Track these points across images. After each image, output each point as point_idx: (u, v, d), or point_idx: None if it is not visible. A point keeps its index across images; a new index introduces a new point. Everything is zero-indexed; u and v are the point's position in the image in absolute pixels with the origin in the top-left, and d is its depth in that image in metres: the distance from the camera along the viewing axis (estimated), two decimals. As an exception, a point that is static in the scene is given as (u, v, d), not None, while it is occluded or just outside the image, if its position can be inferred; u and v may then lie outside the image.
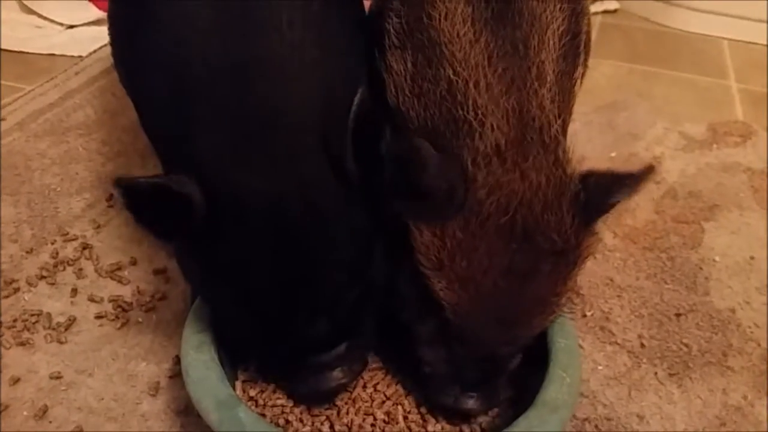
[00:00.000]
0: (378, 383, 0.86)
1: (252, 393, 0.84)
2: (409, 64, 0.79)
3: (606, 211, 0.72)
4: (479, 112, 0.72)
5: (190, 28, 0.73)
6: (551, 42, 0.77)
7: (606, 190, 0.71)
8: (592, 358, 0.97)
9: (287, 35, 0.73)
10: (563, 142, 0.74)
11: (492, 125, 0.71)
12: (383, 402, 0.84)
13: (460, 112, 0.73)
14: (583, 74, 0.93)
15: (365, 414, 0.83)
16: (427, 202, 0.69)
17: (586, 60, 0.93)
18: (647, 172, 0.70)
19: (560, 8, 0.79)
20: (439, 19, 0.76)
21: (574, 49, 0.82)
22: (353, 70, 0.82)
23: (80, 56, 1.72)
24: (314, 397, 0.82)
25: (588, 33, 0.91)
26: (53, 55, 1.76)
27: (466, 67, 0.74)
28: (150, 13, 0.78)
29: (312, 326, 0.74)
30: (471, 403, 0.78)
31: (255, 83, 0.71)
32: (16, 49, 1.76)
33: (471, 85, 0.73)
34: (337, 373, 0.78)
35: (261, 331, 0.76)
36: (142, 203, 0.65)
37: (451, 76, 0.74)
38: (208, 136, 0.71)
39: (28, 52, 1.76)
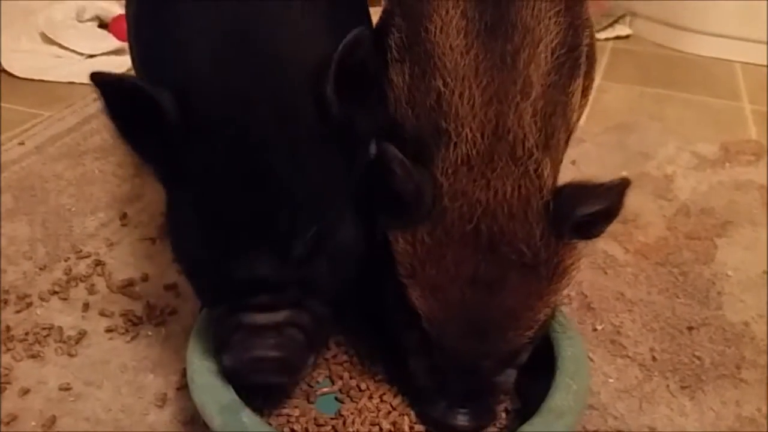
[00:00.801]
0: (384, 393, 0.86)
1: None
2: (407, 76, 0.80)
3: (576, 222, 0.70)
4: (459, 123, 0.74)
5: (201, 20, 0.73)
6: (543, 55, 0.77)
7: (575, 200, 0.70)
8: (603, 371, 0.96)
9: (299, 24, 0.74)
10: (539, 155, 0.73)
11: (466, 136, 0.73)
12: (389, 412, 0.84)
13: (443, 122, 0.74)
14: (588, 86, 0.94)
15: (371, 424, 0.82)
16: (397, 205, 0.71)
17: (590, 72, 0.94)
18: (622, 183, 0.69)
19: (556, 21, 0.80)
20: (435, 32, 0.78)
21: (572, 61, 0.82)
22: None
23: (99, 84, 1.76)
24: (238, 368, 0.72)
25: (591, 45, 0.92)
26: (72, 83, 1.80)
27: (454, 78, 0.75)
28: (169, 7, 0.77)
29: (253, 260, 0.69)
30: (460, 419, 0.77)
31: (258, 77, 0.70)
32: (36, 78, 1.81)
33: (456, 95, 0.74)
34: (267, 342, 0.70)
35: (211, 256, 0.71)
36: (117, 101, 0.66)
37: (441, 87, 0.75)
38: (191, 53, 0.71)
39: (48, 81, 1.80)
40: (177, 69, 0.72)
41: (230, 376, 0.74)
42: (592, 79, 0.97)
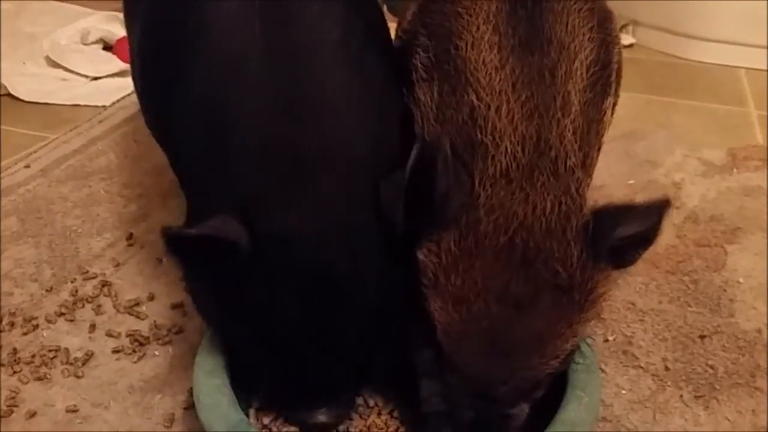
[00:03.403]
0: (393, 410, 0.85)
1: (266, 421, 0.83)
2: (435, 94, 0.79)
3: (615, 245, 0.68)
4: (496, 135, 0.72)
5: (236, 69, 0.73)
6: (579, 72, 0.76)
7: (614, 221, 0.68)
8: (615, 382, 0.95)
9: (333, 74, 0.74)
10: (580, 174, 0.72)
11: (506, 149, 0.71)
12: (398, 429, 0.83)
13: (479, 135, 0.73)
14: (614, 104, 0.92)
15: (380, 440, 0.81)
16: (426, 207, 0.68)
17: (617, 90, 0.93)
18: (664, 204, 0.66)
19: (589, 38, 0.79)
20: (466, 48, 0.77)
21: (605, 78, 0.81)
22: (392, 107, 0.82)
23: (104, 106, 1.77)
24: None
25: (619, 63, 0.90)
26: (77, 105, 1.80)
27: (489, 92, 0.74)
28: (189, 59, 0.77)
29: (331, 373, 0.75)
30: None
31: (304, 122, 0.72)
32: (42, 101, 1.81)
33: (492, 109, 0.73)
34: (324, 412, 0.78)
35: (274, 370, 0.77)
36: (188, 252, 0.67)
37: (474, 101, 0.74)
38: (253, 173, 0.71)
39: (53, 104, 1.81)
40: (238, 190, 0.72)
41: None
42: (617, 96, 0.95)
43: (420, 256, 0.71)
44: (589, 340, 0.86)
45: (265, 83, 0.72)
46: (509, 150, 0.71)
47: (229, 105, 0.73)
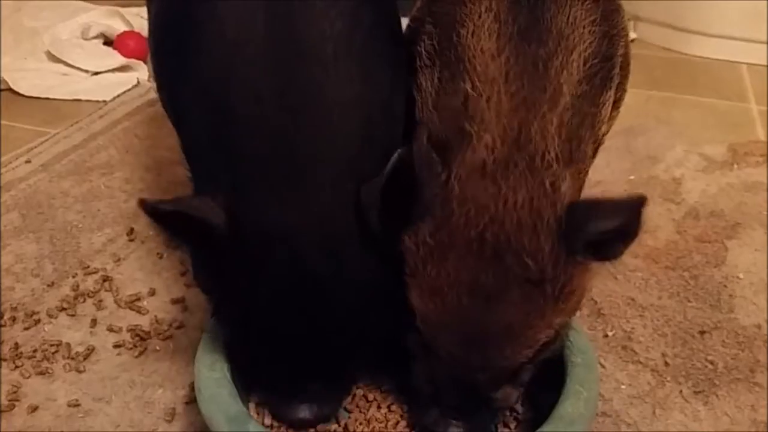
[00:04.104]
0: (392, 404, 0.85)
1: (267, 421, 0.83)
2: (435, 80, 0.79)
3: (593, 239, 0.67)
4: (482, 127, 0.72)
5: (238, 56, 0.73)
6: (575, 64, 0.76)
7: (588, 216, 0.67)
8: (615, 377, 0.95)
9: (332, 68, 0.73)
10: (558, 169, 0.71)
11: (486, 142, 0.71)
12: (397, 423, 0.83)
13: (467, 125, 0.73)
14: (620, 98, 0.93)
15: (380, 434, 0.82)
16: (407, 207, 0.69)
17: (623, 83, 0.93)
18: (640, 201, 0.65)
19: (590, 30, 0.78)
20: (466, 36, 0.77)
21: (605, 72, 0.80)
22: (394, 106, 0.81)
23: (104, 101, 1.77)
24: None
25: (625, 56, 0.90)
26: (78, 100, 1.80)
27: (483, 81, 0.74)
28: (197, 41, 0.78)
29: (307, 368, 0.75)
30: (453, 426, 0.75)
31: (296, 116, 0.71)
32: (43, 96, 1.81)
33: (484, 99, 0.73)
34: (306, 408, 0.78)
35: (256, 358, 0.77)
36: (166, 223, 0.68)
37: (469, 89, 0.74)
38: (243, 162, 0.71)
39: (54, 99, 1.81)
40: (227, 177, 0.73)
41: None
42: (624, 91, 0.95)
43: (404, 244, 0.72)
44: (588, 336, 0.86)
45: (263, 73, 0.72)
46: (489, 143, 0.71)
47: (228, 92, 0.73)
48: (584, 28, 0.78)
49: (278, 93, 0.71)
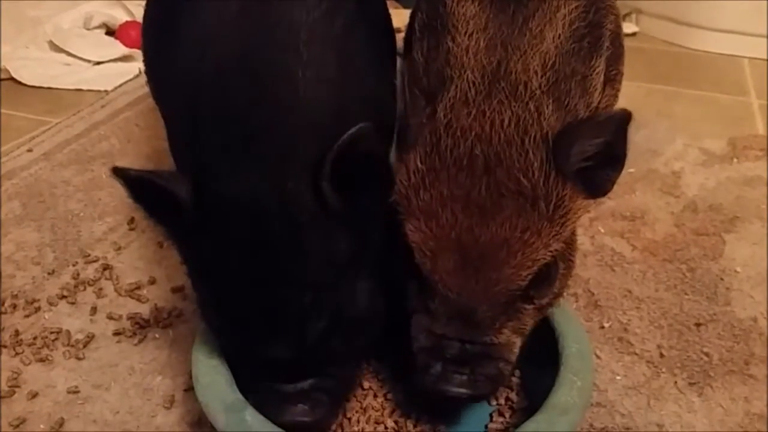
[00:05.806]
0: (388, 392, 0.86)
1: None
2: (424, 50, 0.83)
3: (582, 166, 0.70)
4: (461, 69, 0.76)
5: (210, 37, 0.76)
6: (560, 22, 0.79)
7: (575, 133, 0.70)
8: (610, 368, 0.96)
9: (305, 53, 0.74)
10: (544, 99, 0.74)
11: (467, 77, 0.75)
12: (393, 411, 0.84)
13: (448, 71, 0.77)
14: (615, 76, 0.96)
15: (376, 423, 0.83)
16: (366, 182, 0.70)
17: (617, 62, 0.96)
18: (623, 116, 0.69)
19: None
20: (451, 5, 0.81)
21: (593, 38, 0.83)
22: (374, 91, 0.82)
23: (106, 90, 1.77)
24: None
25: (617, 34, 0.93)
26: (80, 90, 1.81)
27: (465, 36, 0.78)
28: (175, 31, 0.81)
29: (271, 346, 0.72)
30: (455, 382, 0.73)
31: (260, 91, 0.72)
32: (45, 86, 1.82)
33: (463, 49, 0.77)
34: (297, 408, 0.74)
35: (231, 339, 0.77)
36: (141, 192, 0.69)
37: (451, 45, 0.78)
38: (208, 137, 0.73)
39: (56, 88, 1.82)
40: (195, 152, 0.74)
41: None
42: (620, 72, 0.98)
43: (397, 187, 0.73)
44: (584, 326, 0.86)
45: (234, 59, 0.74)
46: (469, 78, 0.75)
47: (200, 79, 0.75)
48: None
49: (248, 75, 0.73)
